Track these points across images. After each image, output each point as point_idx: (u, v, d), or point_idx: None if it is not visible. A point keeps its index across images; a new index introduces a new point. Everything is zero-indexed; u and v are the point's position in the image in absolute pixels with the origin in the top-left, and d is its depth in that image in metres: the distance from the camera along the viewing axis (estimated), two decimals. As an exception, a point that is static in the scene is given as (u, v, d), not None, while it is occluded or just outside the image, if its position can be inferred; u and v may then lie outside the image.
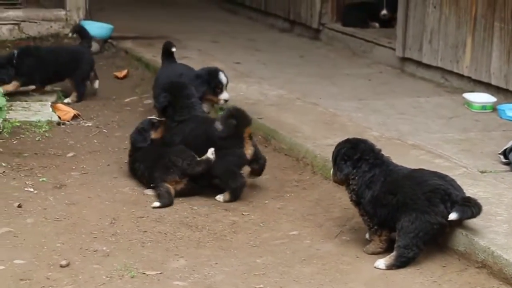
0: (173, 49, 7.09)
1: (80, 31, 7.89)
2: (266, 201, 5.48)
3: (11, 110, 6.79)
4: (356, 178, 4.65)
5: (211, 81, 6.52)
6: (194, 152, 5.45)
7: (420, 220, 4.42)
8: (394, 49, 8.78)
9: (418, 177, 4.58)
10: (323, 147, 6.06)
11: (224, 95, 6.57)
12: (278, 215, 5.25)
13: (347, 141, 4.80)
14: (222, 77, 6.58)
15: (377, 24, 9.95)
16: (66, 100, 7.40)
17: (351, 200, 4.75)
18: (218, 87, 6.54)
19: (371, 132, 6.44)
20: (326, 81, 8.19)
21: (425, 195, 4.45)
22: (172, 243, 4.76)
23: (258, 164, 5.57)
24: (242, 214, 5.24)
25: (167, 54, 7.11)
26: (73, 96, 7.46)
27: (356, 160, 4.67)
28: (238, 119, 5.39)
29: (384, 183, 4.60)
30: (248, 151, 5.45)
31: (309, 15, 10.34)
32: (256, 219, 5.17)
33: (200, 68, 6.84)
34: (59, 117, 6.90)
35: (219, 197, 5.45)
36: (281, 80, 8.15)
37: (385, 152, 5.68)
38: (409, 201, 4.46)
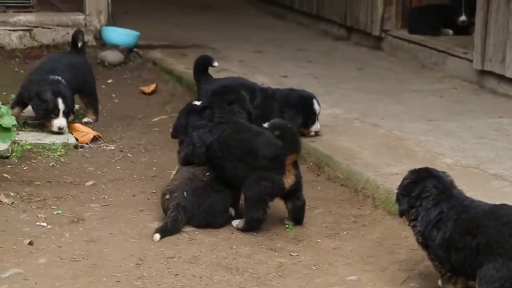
0: (215, 64, 7.09)
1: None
2: (319, 240, 5.47)
3: (21, 131, 6.90)
4: (419, 217, 4.65)
5: (304, 111, 6.63)
6: (226, 159, 5.55)
7: (508, 267, 4.37)
8: (471, 61, 8.76)
9: (504, 215, 4.53)
10: (386, 176, 6.05)
11: (315, 126, 6.69)
12: (333, 256, 5.24)
13: (413, 172, 4.82)
14: (316, 106, 6.76)
15: (450, 31, 9.95)
16: (85, 120, 7.49)
17: (418, 243, 4.73)
18: (311, 118, 6.65)
19: (443, 159, 6.41)
20: (389, 99, 8.19)
21: None
22: (208, 289, 4.77)
23: (293, 204, 5.59)
24: (291, 254, 5.24)
25: (203, 70, 7.12)
26: (91, 114, 7.55)
27: (415, 197, 4.69)
28: (284, 139, 5.44)
29: (457, 222, 4.57)
30: (288, 180, 5.48)
31: (369, 20, 10.37)
32: (307, 261, 5.17)
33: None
34: (77, 139, 6.99)
35: (235, 223, 5.55)
36: (336, 96, 8.18)
37: (461, 183, 5.65)
38: (493, 244, 4.42)
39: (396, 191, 4.85)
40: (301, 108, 6.76)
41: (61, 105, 6.95)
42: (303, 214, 5.65)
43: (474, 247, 4.47)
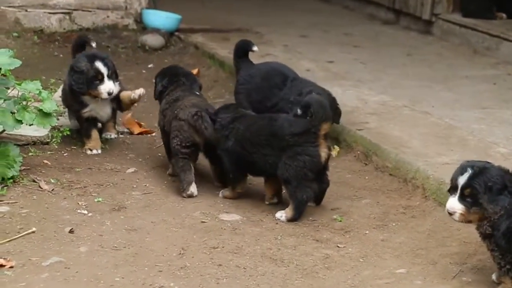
0: (255, 49, 7.04)
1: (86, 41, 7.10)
2: (367, 231, 5.47)
3: (61, 116, 6.95)
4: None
5: None
6: (253, 152, 5.62)
7: None
8: (526, 46, 8.69)
9: None
10: (437, 166, 6.03)
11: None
12: (381, 248, 5.24)
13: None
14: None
15: (504, 15, 9.87)
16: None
17: (482, 233, 4.68)
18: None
19: (497, 149, 6.38)
20: (440, 85, 8.14)
21: None
22: (253, 280, 4.79)
23: (319, 187, 5.63)
24: (337, 246, 5.25)
25: (243, 55, 7.09)
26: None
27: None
28: (315, 110, 5.46)
29: None
30: (323, 153, 5.50)
31: (419, 3, 10.32)
32: (355, 253, 5.17)
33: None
34: (131, 132, 7.03)
35: (280, 215, 5.57)
36: (384, 83, 8.14)
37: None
38: None
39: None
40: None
41: (102, 68, 6.41)
42: (324, 195, 5.76)
43: None
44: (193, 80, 6.38)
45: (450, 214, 4.65)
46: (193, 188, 5.87)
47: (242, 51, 7.11)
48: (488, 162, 4.72)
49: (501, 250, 4.59)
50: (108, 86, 6.42)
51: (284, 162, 5.50)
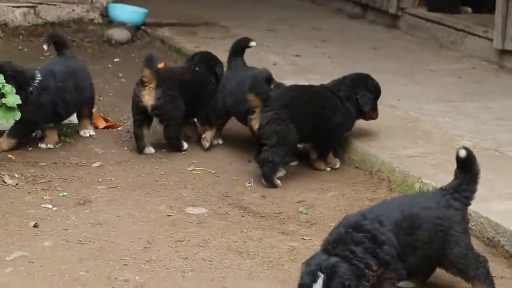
0: (252, 44, 6.83)
1: (57, 41, 6.97)
2: (332, 224, 5.46)
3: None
4: None
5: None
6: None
7: None
8: (491, 40, 8.75)
9: None
10: (403, 158, 6.08)
11: None
12: (347, 241, 5.26)
13: None
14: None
15: (469, 9, 9.94)
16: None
17: None
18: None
19: (461, 141, 6.42)
20: (405, 79, 8.19)
21: None
22: (219, 273, 4.80)
23: None
24: (303, 238, 5.26)
25: (239, 53, 6.85)
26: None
27: None
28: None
29: None
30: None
31: (385, -3, 10.36)
32: (320, 245, 5.18)
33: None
34: (96, 127, 6.99)
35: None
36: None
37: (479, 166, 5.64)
38: None
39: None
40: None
41: None
42: None
43: None
44: None
45: None
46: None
47: (238, 48, 6.89)
48: (335, 257, 4.13)
49: None
50: None
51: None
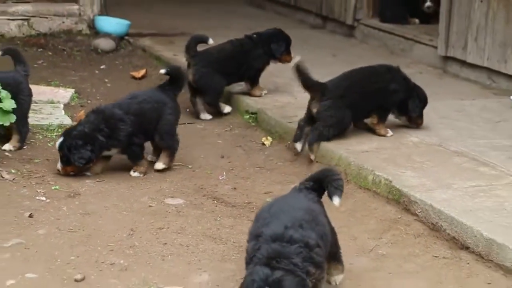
0: (210, 42, 7.40)
1: (13, 54, 6.62)
2: (296, 212, 5.53)
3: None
4: None
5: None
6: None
7: None
8: (435, 47, 8.83)
9: None
10: (358, 153, 6.14)
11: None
12: (308, 227, 5.29)
13: None
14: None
15: (417, 20, 10.00)
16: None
17: None
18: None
19: (410, 138, 6.50)
20: (361, 82, 8.22)
21: None
22: (195, 256, 4.84)
23: None
24: (270, 225, 5.30)
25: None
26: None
27: None
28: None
29: None
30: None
31: (343, 9, 10.41)
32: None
33: None
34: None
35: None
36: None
37: (425, 159, 5.76)
38: None
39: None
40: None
41: None
42: None
43: None
44: None
45: None
46: None
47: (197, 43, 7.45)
48: (278, 270, 3.84)
49: None
50: None
51: None
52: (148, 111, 6.07)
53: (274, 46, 7.64)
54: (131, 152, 6.02)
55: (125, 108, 6.01)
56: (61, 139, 5.91)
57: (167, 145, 6.09)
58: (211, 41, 7.40)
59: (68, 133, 5.92)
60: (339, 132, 6.39)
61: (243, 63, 7.53)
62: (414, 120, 6.71)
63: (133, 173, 6.02)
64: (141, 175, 6.00)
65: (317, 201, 4.38)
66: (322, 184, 4.35)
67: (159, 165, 6.07)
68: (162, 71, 6.36)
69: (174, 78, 6.28)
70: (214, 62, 7.35)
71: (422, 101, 6.70)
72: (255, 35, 7.71)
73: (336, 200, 4.28)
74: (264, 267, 3.83)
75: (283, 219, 4.03)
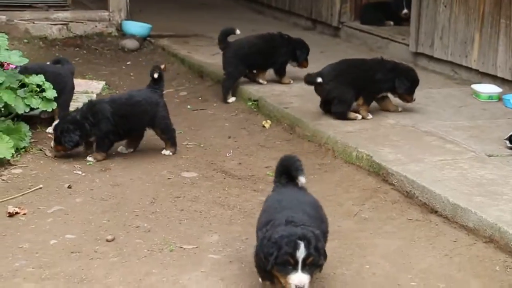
0: (155, 75, 5.90)
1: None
2: (291, 183, 5.47)
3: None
4: None
5: None
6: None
7: None
8: (407, 45, 8.74)
9: None
10: (343, 133, 6.07)
11: None
12: (302, 195, 5.24)
13: None
14: None
15: (391, 22, 9.90)
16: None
17: None
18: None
19: (387, 120, 6.43)
20: (345, 74, 8.13)
21: None
22: (207, 220, 4.79)
23: None
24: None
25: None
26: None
27: None
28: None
29: None
30: None
31: (329, 14, 10.31)
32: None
33: None
34: None
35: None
36: (304, 73, 8.09)
37: (400, 138, 5.67)
38: None
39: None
40: None
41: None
42: None
43: None
44: None
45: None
46: None
47: (227, 35, 7.35)
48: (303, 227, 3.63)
49: None
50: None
51: None
52: (139, 113, 5.77)
53: (299, 52, 7.53)
54: (102, 143, 5.71)
55: (115, 108, 5.71)
56: (56, 122, 5.80)
57: (168, 137, 5.93)
58: (238, 31, 7.29)
59: (63, 117, 5.80)
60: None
61: (270, 56, 7.42)
62: (403, 97, 6.59)
63: (119, 150, 5.83)
64: (95, 161, 5.68)
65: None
66: (290, 172, 4.12)
67: (166, 152, 5.91)
68: (155, 75, 5.86)
69: (159, 79, 5.92)
70: (241, 55, 7.28)
71: (410, 80, 6.56)
72: (286, 36, 7.57)
73: (301, 180, 4.03)
74: (288, 226, 3.58)
75: (283, 211, 3.77)
